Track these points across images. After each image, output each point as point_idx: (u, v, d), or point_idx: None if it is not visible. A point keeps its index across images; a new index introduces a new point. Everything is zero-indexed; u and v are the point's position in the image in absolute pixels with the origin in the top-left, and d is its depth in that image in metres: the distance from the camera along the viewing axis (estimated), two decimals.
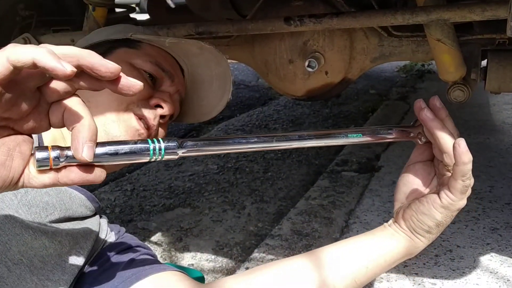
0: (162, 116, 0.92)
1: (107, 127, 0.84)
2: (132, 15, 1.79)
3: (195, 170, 2.16)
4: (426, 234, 0.79)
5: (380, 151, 2.16)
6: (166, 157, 0.56)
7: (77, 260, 0.76)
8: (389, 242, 0.82)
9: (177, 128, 2.85)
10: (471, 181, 0.73)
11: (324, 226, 1.48)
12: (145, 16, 1.95)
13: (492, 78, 1.12)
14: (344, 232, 1.45)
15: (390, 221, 0.84)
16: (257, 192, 1.90)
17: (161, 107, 0.91)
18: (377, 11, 1.03)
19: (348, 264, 0.81)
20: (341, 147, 2.28)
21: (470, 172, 0.71)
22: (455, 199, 0.73)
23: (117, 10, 1.74)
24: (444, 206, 0.75)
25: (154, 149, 0.55)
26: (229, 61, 1.03)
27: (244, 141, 0.63)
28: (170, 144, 0.56)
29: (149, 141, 0.55)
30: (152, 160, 0.55)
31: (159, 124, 0.92)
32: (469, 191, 0.75)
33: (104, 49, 0.95)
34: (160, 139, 0.56)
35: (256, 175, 2.08)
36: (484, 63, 1.14)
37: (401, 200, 0.83)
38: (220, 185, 1.98)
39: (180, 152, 0.57)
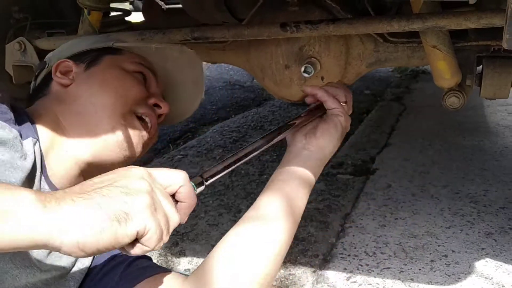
0: (158, 116, 0.96)
1: (116, 131, 0.87)
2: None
3: (190, 173, 2.15)
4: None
5: (375, 154, 2.17)
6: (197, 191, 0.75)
7: (79, 276, 0.77)
8: (303, 163, 0.94)
9: (172, 129, 2.84)
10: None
11: (320, 230, 1.48)
12: (138, 14, 1.94)
13: (487, 84, 1.12)
14: (340, 236, 1.45)
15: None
16: (252, 195, 1.90)
17: (159, 106, 0.96)
18: (373, 18, 1.03)
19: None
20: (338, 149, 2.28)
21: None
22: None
23: (112, 14, 1.73)
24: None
25: None
26: None
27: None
28: (201, 188, 0.76)
29: None
30: None
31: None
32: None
33: (91, 58, 0.97)
34: (192, 184, 0.73)
35: (251, 177, 2.08)
36: (479, 69, 1.15)
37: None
38: (215, 188, 1.98)
39: (206, 183, 0.78)
